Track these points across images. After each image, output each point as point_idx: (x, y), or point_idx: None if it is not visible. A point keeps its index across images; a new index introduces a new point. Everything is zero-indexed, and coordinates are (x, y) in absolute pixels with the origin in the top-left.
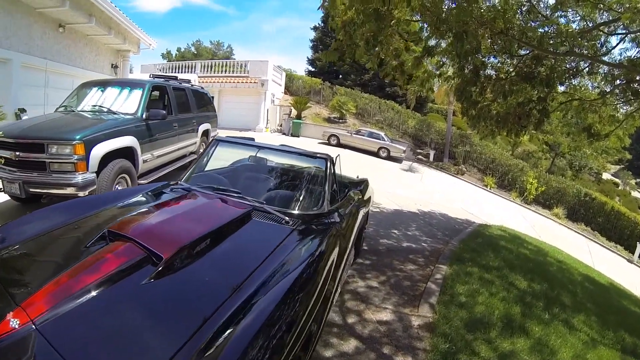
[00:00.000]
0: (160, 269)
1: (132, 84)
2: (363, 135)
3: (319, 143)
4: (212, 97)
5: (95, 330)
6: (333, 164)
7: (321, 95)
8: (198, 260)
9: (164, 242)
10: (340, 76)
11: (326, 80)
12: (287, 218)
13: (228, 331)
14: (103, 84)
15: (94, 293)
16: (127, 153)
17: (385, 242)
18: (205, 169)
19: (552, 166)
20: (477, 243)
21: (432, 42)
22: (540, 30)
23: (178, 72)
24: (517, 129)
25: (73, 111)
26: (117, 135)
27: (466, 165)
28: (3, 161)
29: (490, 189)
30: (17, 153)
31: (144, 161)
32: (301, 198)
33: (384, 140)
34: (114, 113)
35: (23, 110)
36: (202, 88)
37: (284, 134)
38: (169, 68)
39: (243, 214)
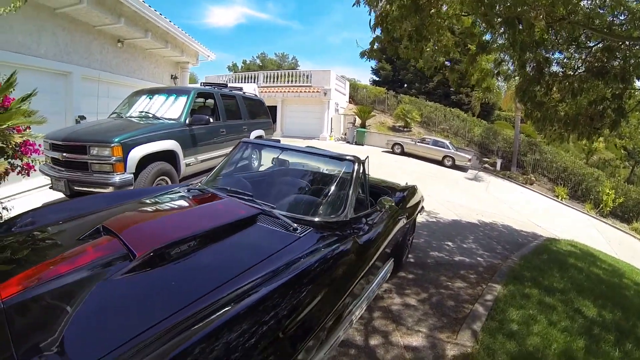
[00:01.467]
0: (131, 266)
1: (178, 91)
2: (427, 144)
3: (383, 151)
4: (275, 107)
5: (47, 317)
6: (362, 166)
7: (385, 104)
8: (176, 261)
9: (144, 240)
10: (405, 85)
11: (390, 89)
12: (295, 225)
13: (178, 337)
14: (152, 92)
15: (62, 282)
16: (168, 156)
17: (436, 254)
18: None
19: (632, 175)
20: (541, 260)
21: (487, 37)
22: (609, 17)
23: (242, 83)
24: (589, 132)
25: (122, 117)
26: (156, 139)
27: (535, 174)
28: (50, 160)
29: (561, 199)
30: (64, 154)
31: (187, 165)
32: (319, 203)
33: (449, 149)
34: (158, 118)
35: (83, 117)
36: (255, 96)
37: (348, 142)
38: (234, 79)
39: (246, 217)
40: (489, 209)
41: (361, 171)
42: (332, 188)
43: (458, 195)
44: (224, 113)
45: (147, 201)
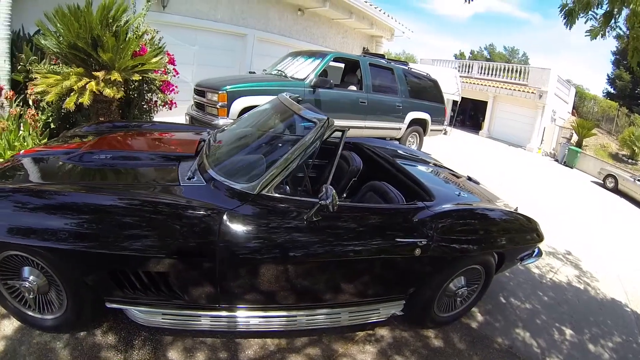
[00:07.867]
0: (75, 158)
1: (318, 55)
2: None
3: (592, 182)
4: (486, 102)
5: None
6: (323, 131)
7: (614, 124)
8: (90, 160)
9: (93, 146)
10: None
11: (624, 105)
12: (191, 174)
13: None
14: (298, 54)
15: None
16: None
17: (522, 338)
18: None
19: None
20: None
21: None
22: None
23: (458, 71)
24: None
25: (264, 73)
26: (266, 93)
27: None
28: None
29: None
30: (195, 96)
31: None
32: (241, 164)
33: None
34: (286, 77)
35: (253, 73)
36: (427, 74)
37: (556, 160)
38: (457, 66)
39: (173, 155)
40: None
41: (315, 137)
42: (263, 152)
43: None
44: (369, 84)
45: (167, 129)
